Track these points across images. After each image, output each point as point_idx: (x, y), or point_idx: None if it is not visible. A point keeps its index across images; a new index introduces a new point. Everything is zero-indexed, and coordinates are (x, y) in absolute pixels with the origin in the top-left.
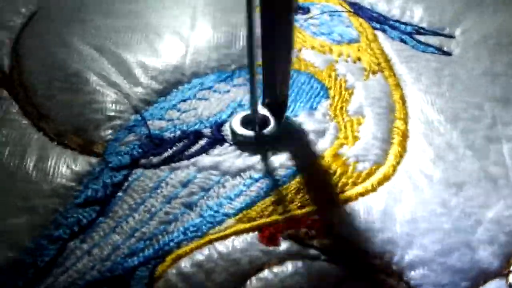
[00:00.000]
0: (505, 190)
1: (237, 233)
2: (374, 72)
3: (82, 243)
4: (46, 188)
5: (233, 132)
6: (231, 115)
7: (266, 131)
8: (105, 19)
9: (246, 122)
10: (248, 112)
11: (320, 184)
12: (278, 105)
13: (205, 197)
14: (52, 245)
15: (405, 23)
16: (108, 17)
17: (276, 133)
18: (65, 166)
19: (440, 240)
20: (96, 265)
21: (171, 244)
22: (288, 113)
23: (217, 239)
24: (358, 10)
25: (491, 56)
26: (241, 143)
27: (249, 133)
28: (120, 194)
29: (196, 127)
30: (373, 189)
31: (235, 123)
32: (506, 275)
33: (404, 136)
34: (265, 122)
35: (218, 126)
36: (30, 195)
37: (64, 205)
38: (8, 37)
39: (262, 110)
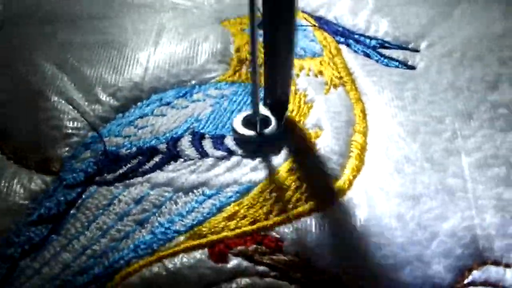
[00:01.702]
0: (463, 202)
1: (187, 250)
2: (335, 86)
3: (32, 262)
4: (0, 207)
5: (235, 131)
6: (187, 130)
7: (267, 131)
8: (70, 35)
9: (247, 122)
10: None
11: (273, 199)
12: (279, 105)
13: (157, 214)
14: (3, 264)
15: (369, 37)
16: (73, 33)
17: (276, 133)
18: (20, 184)
19: (393, 255)
20: (45, 284)
21: (121, 262)
22: None
23: (166, 256)
24: (323, 24)
25: (454, 70)
26: (241, 143)
27: (250, 132)
28: (73, 211)
29: (152, 143)
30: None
31: (237, 123)
32: None
33: (363, 149)
34: (266, 122)
35: (174, 141)
36: None
37: (17, 223)
38: None
39: (263, 111)
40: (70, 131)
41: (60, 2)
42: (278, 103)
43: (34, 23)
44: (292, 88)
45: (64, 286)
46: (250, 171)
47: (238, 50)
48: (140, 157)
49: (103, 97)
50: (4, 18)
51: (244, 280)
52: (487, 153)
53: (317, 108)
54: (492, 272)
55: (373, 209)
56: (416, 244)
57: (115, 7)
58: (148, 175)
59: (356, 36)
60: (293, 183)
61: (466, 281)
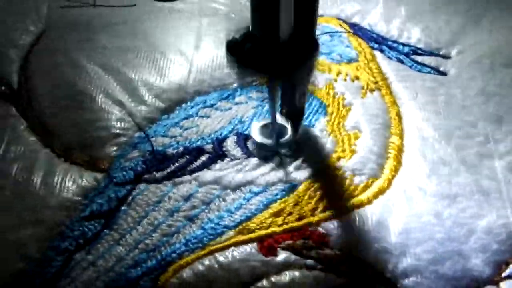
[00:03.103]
0: (497, 202)
1: (237, 244)
2: (371, 90)
3: (87, 255)
4: (53, 202)
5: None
6: (231, 131)
7: (283, 140)
8: (112, 39)
9: (264, 131)
10: (267, 121)
11: (318, 197)
12: (296, 114)
13: (206, 210)
14: (59, 257)
15: (402, 44)
16: (115, 36)
17: (292, 141)
18: (72, 181)
19: (433, 249)
20: (100, 276)
21: (173, 255)
22: None
23: (217, 250)
24: (358, 31)
25: (485, 76)
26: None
27: (267, 141)
28: (124, 207)
29: (198, 143)
30: (369, 202)
31: (254, 132)
32: (497, 283)
33: (400, 151)
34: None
35: (219, 142)
36: (38, 208)
37: (70, 218)
38: (17, 55)
39: (280, 120)
40: (117, 131)
41: (98, 9)
42: (295, 112)
43: (76, 29)
44: (331, 92)
45: (119, 278)
46: (294, 170)
47: None
48: (187, 157)
49: (148, 98)
50: (48, 22)
51: (293, 273)
52: None
53: (355, 111)
54: None
55: (412, 207)
56: (454, 240)
57: (154, 12)
58: (196, 174)
59: (389, 43)
60: (336, 182)
61: (504, 274)
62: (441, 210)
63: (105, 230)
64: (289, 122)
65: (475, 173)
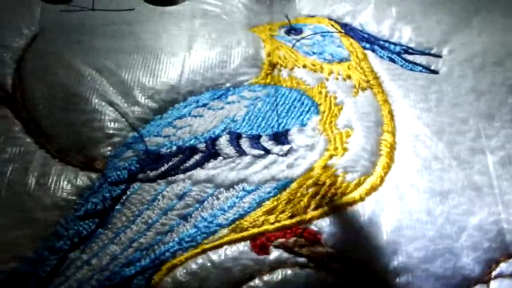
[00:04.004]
0: (489, 198)
1: (230, 242)
2: (363, 89)
3: (82, 254)
4: (47, 201)
5: None
6: (224, 130)
7: None
8: (105, 41)
9: None
10: None
11: (310, 195)
12: None
13: (199, 209)
14: (53, 256)
15: (394, 43)
16: (108, 38)
17: None
18: (66, 181)
19: (425, 247)
20: (95, 275)
21: (167, 254)
22: (279, 128)
23: (210, 249)
24: (349, 31)
25: (476, 75)
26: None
27: None
28: (118, 207)
29: (191, 142)
30: (361, 199)
31: None
32: (488, 281)
33: (392, 148)
34: None
35: (212, 141)
36: (32, 208)
37: (65, 217)
38: (12, 58)
39: None
40: (111, 131)
41: (91, 11)
42: None
43: (70, 30)
44: (323, 90)
45: (114, 276)
46: (286, 168)
47: (269, 54)
48: (181, 156)
49: (142, 99)
50: (42, 25)
51: (286, 271)
52: (510, 152)
53: (347, 109)
54: None
55: (404, 204)
56: (445, 238)
57: (146, 13)
58: (189, 173)
59: (381, 42)
60: (328, 179)
61: (494, 273)
62: (433, 207)
63: (99, 229)
64: None
65: (467, 168)
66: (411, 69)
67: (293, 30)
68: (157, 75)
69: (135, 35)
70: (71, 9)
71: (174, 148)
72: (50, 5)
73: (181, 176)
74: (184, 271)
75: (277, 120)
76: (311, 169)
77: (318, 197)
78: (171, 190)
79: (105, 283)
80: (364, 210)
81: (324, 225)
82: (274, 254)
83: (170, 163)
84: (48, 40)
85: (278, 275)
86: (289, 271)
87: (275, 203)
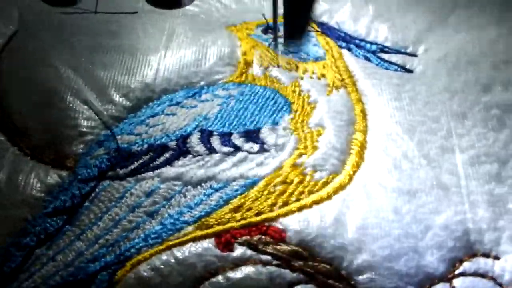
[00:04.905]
0: (456, 197)
1: (195, 239)
2: (337, 88)
3: (47, 250)
4: (16, 199)
5: None
6: (196, 128)
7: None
8: (82, 38)
9: None
10: None
11: (277, 193)
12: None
13: (166, 206)
14: (19, 252)
15: (370, 42)
16: (86, 36)
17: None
18: (37, 178)
19: (389, 246)
20: (59, 270)
21: (132, 250)
22: (251, 126)
23: (175, 245)
24: (326, 30)
25: (450, 74)
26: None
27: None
28: (87, 204)
29: (163, 140)
30: (328, 197)
31: None
32: (451, 279)
33: (362, 147)
34: None
35: (183, 138)
36: (2, 205)
37: (33, 214)
38: None
39: None
40: (84, 129)
41: (71, 8)
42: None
43: (48, 28)
44: (296, 89)
45: (78, 272)
46: (255, 166)
47: (245, 53)
48: (151, 153)
49: (116, 97)
50: (20, 23)
51: (249, 268)
52: (480, 151)
53: (320, 108)
54: (482, 263)
55: (371, 203)
56: (411, 237)
57: (123, 7)
58: (159, 170)
59: (357, 41)
60: (296, 178)
61: (457, 272)
62: (400, 205)
63: (67, 226)
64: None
65: (436, 167)
66: (386, 68)
67: (270, 29)
68: (133, 74)
69: (113, 34)
70: (73, 11)
71: (145, 146)
72: (29, 4)
73: (150, 173)
74: (148, 267)
75: (249, 118)
76: (280, 167)
77: (285, 195)
78: (140, 187)
79: (69, 278)
80: (330, 208)
81: (289, 223)
82: (238, 251)
83: (140, 160)
84: (26, 39)
85: (241, 272)
86: (252, 268)
87: (242, 200)
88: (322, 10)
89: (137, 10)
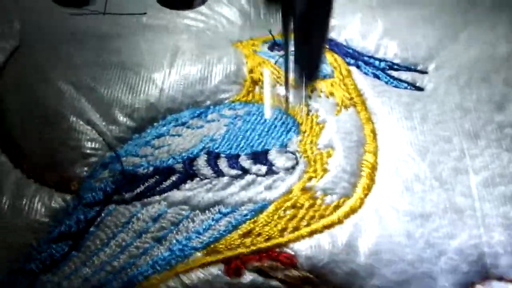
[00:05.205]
0: (471, 220)
1: (203, 265)
2: (346, 107)
3: (53, 276)
4: (20, 223)
5: None
6: (202, 149)
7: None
8: (85, 55)
9: None
10: None
11: (288, 217)
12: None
13: (174, 231)
14: (24, 278)
15: (379, 59)
16: (88, 52)
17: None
18: (41, 202)
19: (402, 271)
20: None
21: (140, 277)
22: (258, 148)
23: (183, 272)
24: (334, 46)
25: (461, 92)
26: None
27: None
28: (92, 229)
29: (169, 162)
30: (340, 221)
31: None
32: None
33: (373, 168)
34: None
35: (190, 161)
36: (5, 230)
37: (38, 239)
38: None
39: None
40: (88, 151)
41: (73, 22)
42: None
43: (50, 43)
44: (304, 109)
45: None
46: (264, 189)
47: (251, 71)
48: (157, 177)
49: (120, 117)
50: (21, 38)
51: None
52: (495, 172)
53: (329, 128)
54: (496, 286)
55: (383, 227)
56: (425, 261)
57: (127, 26)
58: (165, 194)
59: (365, 58)
60: (307, 202)
61: None
62: (413, 230)
63: (72, 252)
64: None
65: (450, 189)
66: (395, 86)
67: (276, 45)
68: (137, 92)
69: (116, 50)
70: (81, 12)
71: (151, 168)
72: (30, 17)
73: (157, 197)
74: None
75: (257, 139)
76: (289, 191)
77: (295, 219)
78: (146, 212)
79: None
80: (342, 233)
81: (300, 248)
82: (248, 277)
83: (146, 184)
84: (27, 55)
85: None
86: None
87: (252, 225)
88: (330, 25)
89: (146, 11)
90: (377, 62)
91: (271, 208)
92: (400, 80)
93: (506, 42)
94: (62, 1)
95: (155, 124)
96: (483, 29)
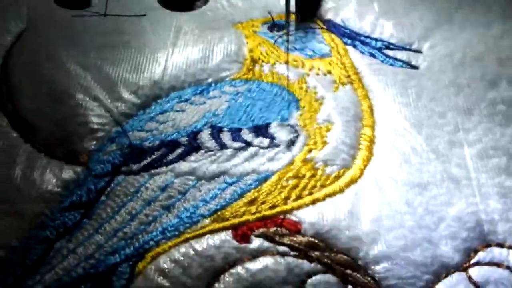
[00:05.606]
0: (467, 189)
1: (212, 232)
2: (343, 84)
3: (68, 243)
4: (33, 194)
5: None
6: (206, 124)
7: None
8: (91, 36)
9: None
10: None
11: (290, 186)
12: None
13: (182, 200)
14: (39, 245)
15: (375, 39)
16: (94, 34)
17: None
18: (52, 174)
19: (404, 237)
20: (80, 263)
21: (151, 243)
22: (260, 122)
23: (193, 238)
24: (331, 27)
25: (455, 70)
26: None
27: None
28: (103, 198)
29: (174, 136)
30: (341, 190)
31: None
32: (466, 269)
33: (371, 142)
34: None
35: (194, 135)
36: (18, 200)
37: (51, 209)
38: None
39: None
40: (96, 126)
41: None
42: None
43: (56, 26)
44: (303, 85)
45: (99, 264)
46: (267, 161)
47: (251, 50)
48: (164, 149)
49: (125, 95)
50: (29, 21)
51: (267, 259)
52: (488, 145)
53: (327, 104)
54: (496, 253)
55: (383, 195)
56: (424, 228)
57: (132, 8)
58: (172, 165)
59: (362, 38)
60: (308, 172)
61: (472, 261)
62: (412, 198)
63: (84, 220)
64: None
65: (446, 161)
66: (391, 65)
67: (275, 26)
68: (141, 71)
69: (121, 31)
70: (83, 14)
71: (157, 142)
72: (37, 2)
73: (164, 168)
74: (168, 259)
75: (258, 114)
76: (291, 162)
77: (298, 188)
78: (154, 182)
79: (90, 271)
80: (343, 201)
81: (304, 215)
82: (256, 243)
83: (153, 156)
84: (34, 36)
85: (259, 263)
86: (270, 259)
87: (256, 194)
88: (327, 7)
89: (146, 13)
90: (373, 42)
91: (274, 178)
92: (396, 59)
93: (499, 22)
94: (63, 3)
95: (159, 101)
96: (477, 10)
